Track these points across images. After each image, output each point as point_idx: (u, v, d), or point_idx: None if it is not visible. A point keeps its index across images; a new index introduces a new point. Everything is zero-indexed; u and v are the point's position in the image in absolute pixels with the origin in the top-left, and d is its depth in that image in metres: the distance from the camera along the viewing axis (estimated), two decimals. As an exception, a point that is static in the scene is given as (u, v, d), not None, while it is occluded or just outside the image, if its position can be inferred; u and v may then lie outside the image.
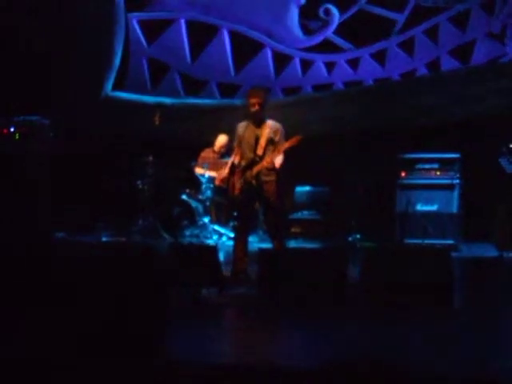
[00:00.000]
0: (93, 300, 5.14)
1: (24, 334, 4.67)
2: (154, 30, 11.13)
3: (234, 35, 11.14)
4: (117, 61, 10.96)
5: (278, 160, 7.11)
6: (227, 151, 9.24)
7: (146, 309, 5.09)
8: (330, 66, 11.20)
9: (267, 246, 7.98)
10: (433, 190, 8.98)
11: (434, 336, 4.95)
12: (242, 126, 7.31)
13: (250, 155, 7.17)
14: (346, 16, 11.05)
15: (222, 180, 7.98)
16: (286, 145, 7.03)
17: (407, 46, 10.96)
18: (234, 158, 7.36)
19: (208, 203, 9.38)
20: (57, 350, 4.30)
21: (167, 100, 10.95)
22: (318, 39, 11.18)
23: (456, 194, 8.93)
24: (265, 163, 7.07)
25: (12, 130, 8.79)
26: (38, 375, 3.96)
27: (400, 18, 10.93)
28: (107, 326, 4.72)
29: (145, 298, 5.47)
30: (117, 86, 11.05)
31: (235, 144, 7.43)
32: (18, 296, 5.36)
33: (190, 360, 4.23)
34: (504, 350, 4.66)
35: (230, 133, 7.78)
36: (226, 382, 3.92)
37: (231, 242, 7.94)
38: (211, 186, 9.34)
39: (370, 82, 11.11)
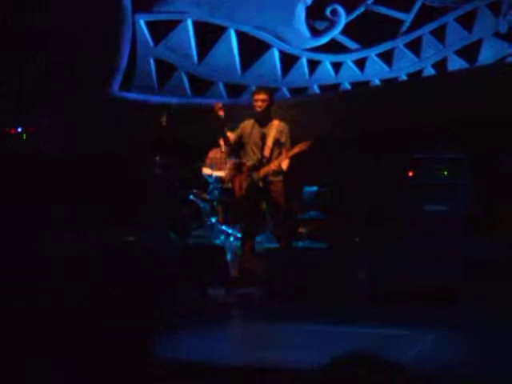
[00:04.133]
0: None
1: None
2: (160, 30, 11.14)
3: (240, 35, 11.14)
4: (124, 61, 10.98)
5: (285, 163, 7.14)
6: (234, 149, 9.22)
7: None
8: (336, 67, 11.20)
9: (274, 246, 8.00)
10: (440, 190, 8.98)
11: (433, 334, 4.96)
12: (247, 124, 7.30)
13: (257, 155, 7.17)
14: (352, 16, 11.06)
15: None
16: (295, 150, 7.05)
17: (414, 46, 10.96)
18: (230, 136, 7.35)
19: (215, 203, 9.38)
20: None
21: (174, 100, 10.96)
22: (324, 39, 11.18)
23: (463, 193, 8.93)
24: (273, 166, 7.08)
25: (19, 130, 8.84)
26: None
27: (407, 18, 10.93)
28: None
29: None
30: (124, 87, 11.07)
31: (233, 136, 7.39)
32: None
33: (195, 359, 4.25)
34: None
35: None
36: (230, 382, 3.93)
37: (238, 242, 7.95)
38: (218, 186, 9.35)
39: (377, 82, 11.11)
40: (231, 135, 7.42)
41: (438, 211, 8.90)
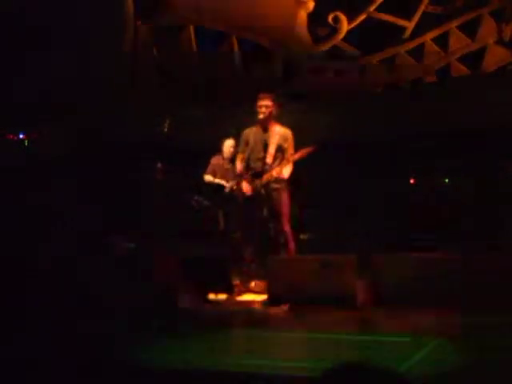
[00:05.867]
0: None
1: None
2: (162, 37, 11.15)
3: (242, 42, 11.14)
4: (126, 67, 10.96)
5: (287, 170, 7.11)
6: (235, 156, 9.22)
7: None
8: (338, 73, 11.18)
9: (276, 253, 7.97)
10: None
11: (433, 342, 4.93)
12: (249, 132, 7.30)
13: (259, 163, 7.15)
14: (354, 23, 11.04)
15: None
16: (297, 156, 7.02)
17: (416, 53, 10.94)
18: (238, 166, 7.36)
19: (217, 210, 9.36)
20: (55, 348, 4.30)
21: (177, 107, 10.94)
22: (326, 46, 11.16)
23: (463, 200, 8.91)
24: (274, 173, 7.05)
25: (21, 136, 8.85)
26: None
27: (409, 25, 10.91)
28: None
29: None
30: (126, 93, 11.06)
31: (239, 149, 7.43)
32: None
33: (196, 365, 4.22)
34: None
35: (239, 139, 7.76)
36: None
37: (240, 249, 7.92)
38: (220, 192, 9.33)
39: (379, 90, 11.09)
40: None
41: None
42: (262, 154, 7.16)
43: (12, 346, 4.43)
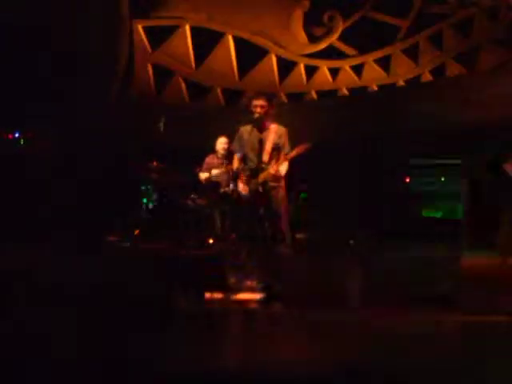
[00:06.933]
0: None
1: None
2: (158, 35, 11.15)
3: (238, 41, 11.15)
4: (122, 66, 10.97)
5: (284, 167, 7.13)
6: (230, 155, 9.22)
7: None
8: (334, 72, 11.21)
9: (272, 250, 7.98)
10: (437, 197, 9.00)
11: (429, 343, 4.95)
12: (245, 131, 7.31)
13: (256, 161, 7.18)
14: (350, 22, 11.07)
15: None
16: (293, 153, 7.04)
17: (411, 52, 10.97)
18: (235, 165, 7.38)
19: (213, 208, 9.37)
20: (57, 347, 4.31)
21: (172, 105, 10.95)
22: (322, 45, 11.19)
23: (460, 201, 8.93)
24: (272, 171, 7.07)
25: (17, 135, 8.86)
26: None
27: (404, 24, 10.95)
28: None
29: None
30: (122, 92, 11.06)
31: (235, 149, 7.43)
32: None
33: (192, 365, 4.24)
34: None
35: (232, 137, 7.76)
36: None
37: (236, 247, 7.94)
38: (216, 191, 9.34)
39: (375, 88, 11.12)
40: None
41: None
42: (258, 153, 7.19)
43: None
